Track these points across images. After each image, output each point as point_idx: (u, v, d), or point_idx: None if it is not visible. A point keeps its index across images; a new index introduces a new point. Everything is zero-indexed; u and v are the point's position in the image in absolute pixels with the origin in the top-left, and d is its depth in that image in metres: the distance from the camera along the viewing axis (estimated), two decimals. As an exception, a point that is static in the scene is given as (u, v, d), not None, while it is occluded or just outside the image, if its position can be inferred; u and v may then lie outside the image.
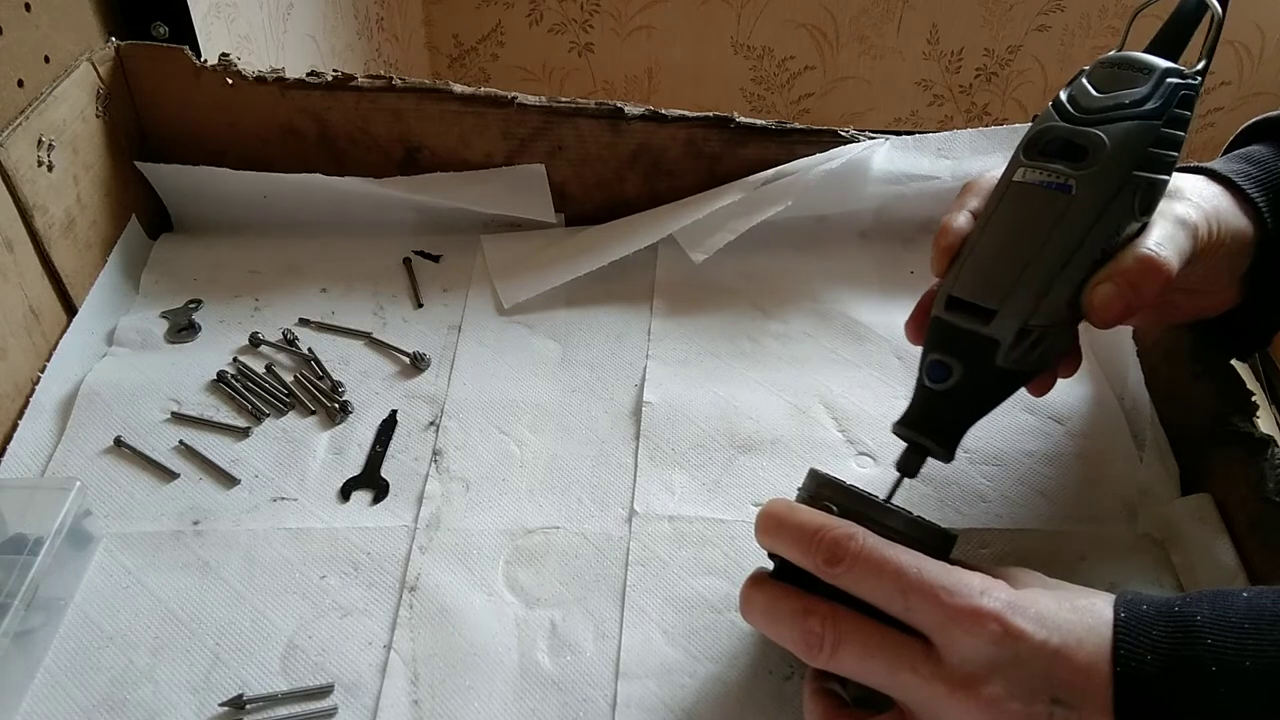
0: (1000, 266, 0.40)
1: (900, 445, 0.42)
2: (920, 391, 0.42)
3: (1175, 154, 0.41)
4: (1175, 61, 0.41)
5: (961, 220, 0.43)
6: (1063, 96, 0.41)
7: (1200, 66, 0.41)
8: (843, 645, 0.35)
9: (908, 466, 0.42)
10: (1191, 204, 0.42)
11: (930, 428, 0.41)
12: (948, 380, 0.40)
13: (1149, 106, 0.39)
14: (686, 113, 0.64)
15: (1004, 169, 0.42)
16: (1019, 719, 0.33)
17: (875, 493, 0.40)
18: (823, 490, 0.40)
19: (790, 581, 0.38)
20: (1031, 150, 0.41)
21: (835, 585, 0.36)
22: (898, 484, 0.42)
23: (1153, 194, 0.41)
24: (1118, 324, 0.40)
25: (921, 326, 0.44)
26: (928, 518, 0.40)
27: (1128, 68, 0.41)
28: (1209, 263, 0.43)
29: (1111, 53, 0.42)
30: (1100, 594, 0.36)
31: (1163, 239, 0.40)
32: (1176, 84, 0.40)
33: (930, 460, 0.42)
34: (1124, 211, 0.40)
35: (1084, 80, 0.41)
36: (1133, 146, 0.39)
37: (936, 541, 0.39)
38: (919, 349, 0.43)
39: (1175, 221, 0.41)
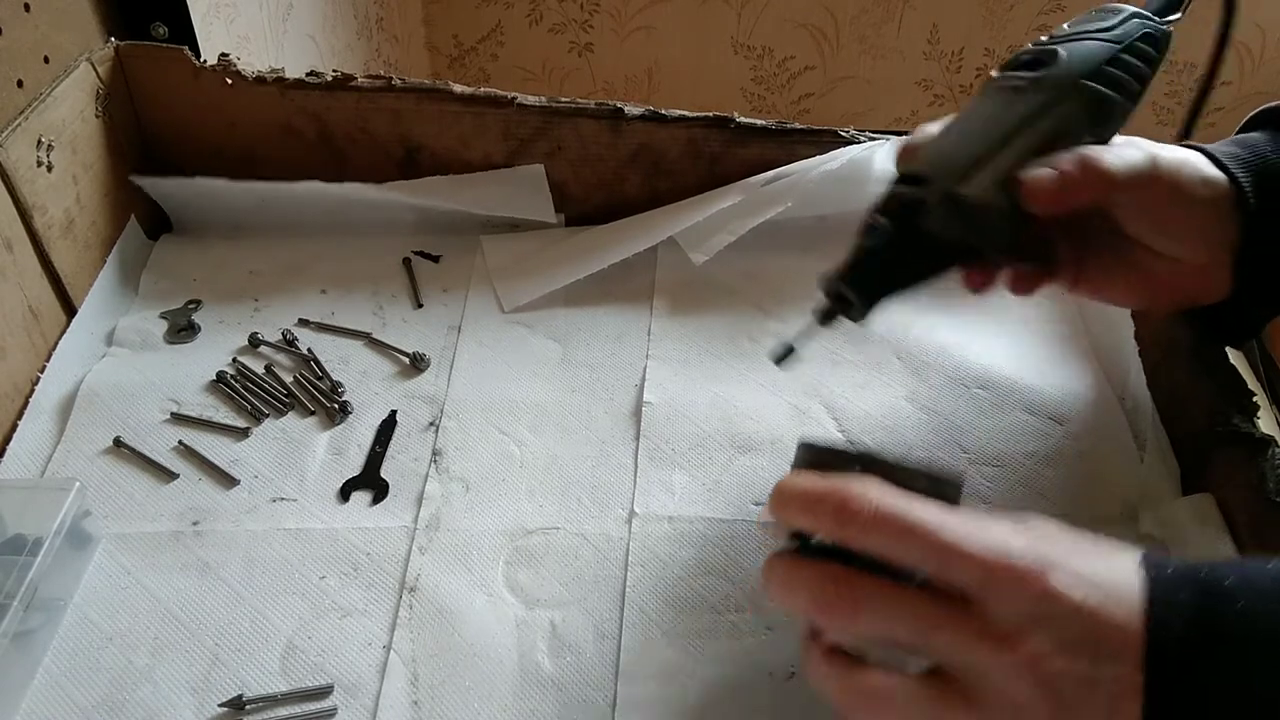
0: (944, 146, 0.44)
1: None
2: (853, 250, 0.44)
3: (1136, 83, 0.44)
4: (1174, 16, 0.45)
5: (932, 126, 0.46)
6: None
7: (1175, 17, 0.46)
8: (864, 604, 0.35)
9: (824, 316, 0.45)
10: (1157, 145, 0.44)
11: (854, 281, 0.44)
12: (877, 236, 0.43)
13: (1109, 34, 0.44)
14: (686, 113, 0.64)
15: None
16: (1061, 674, 0.33)
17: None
18: (822, 456, 0.38)
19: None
20: (1004, 67, 0.45)
21: (861, 549, 0.35)
22: (807, 329, 0.45)
23: (1104, 108, 0.44)
24: (1051, 211, 0.42)
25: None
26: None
27: (1104, 11, 0.45)
28: (1181, 211, 0.44)
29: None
30: (1127, 551, 0.36)
31: (1109, 149, 0.43)
32: (1141, 21, 0.44)
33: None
34: (1070, 115, 0.43)
35: (1065, 24, 0.46)
36: (1084, 59, 0.43)
37: (949, 491, 0.37)
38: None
39: (1129, 144, 0.44)
